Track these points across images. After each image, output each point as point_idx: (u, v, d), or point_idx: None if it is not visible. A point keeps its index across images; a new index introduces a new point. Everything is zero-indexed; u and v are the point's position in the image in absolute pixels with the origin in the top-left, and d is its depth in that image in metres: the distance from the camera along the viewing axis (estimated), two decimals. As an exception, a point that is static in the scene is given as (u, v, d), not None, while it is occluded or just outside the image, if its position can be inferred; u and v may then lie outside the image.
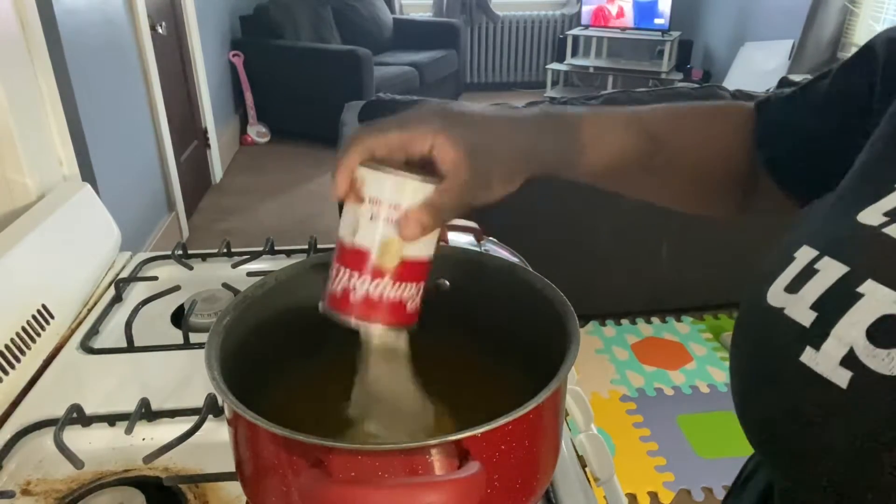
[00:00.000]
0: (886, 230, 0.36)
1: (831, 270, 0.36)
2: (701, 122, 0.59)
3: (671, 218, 2.32)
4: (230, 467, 0.50)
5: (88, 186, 1.08)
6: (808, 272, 0.37)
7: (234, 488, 0.62)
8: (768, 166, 0.56)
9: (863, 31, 3.76)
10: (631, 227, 2.29)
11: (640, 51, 5.38)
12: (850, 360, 0.33)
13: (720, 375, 2.24)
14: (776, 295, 0.38)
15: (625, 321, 2.54)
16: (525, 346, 0.55)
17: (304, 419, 0.54)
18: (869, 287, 0.34)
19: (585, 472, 0.67)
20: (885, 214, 0.36)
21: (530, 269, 0.57)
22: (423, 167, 0.45)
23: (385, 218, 0.45)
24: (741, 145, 0.57)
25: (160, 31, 2.87)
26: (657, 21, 5.03)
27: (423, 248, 0.47)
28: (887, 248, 0.35)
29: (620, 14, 5.10)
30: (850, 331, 0.33)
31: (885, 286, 0.33)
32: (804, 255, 0.38)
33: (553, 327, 0.50)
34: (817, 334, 0.35)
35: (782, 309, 0.38)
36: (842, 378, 0.33)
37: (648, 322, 2.54)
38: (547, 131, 0.51)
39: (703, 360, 2.33)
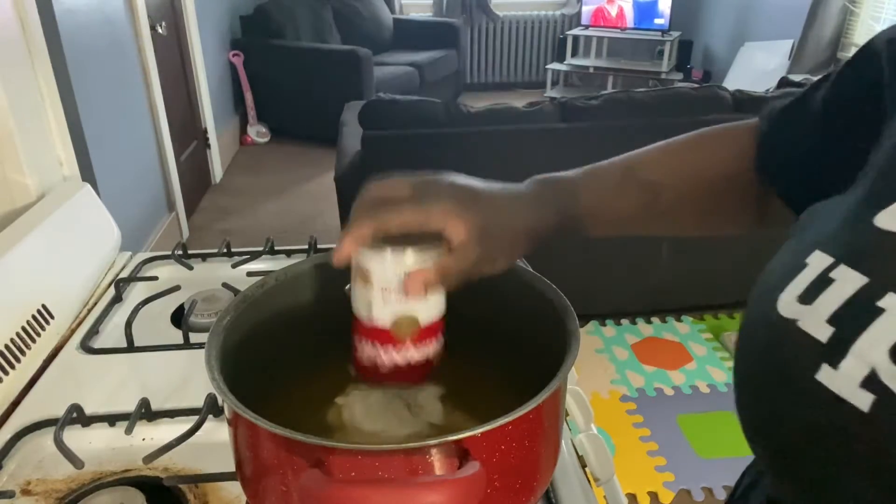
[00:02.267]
0: None
1: (849, 281, 0.34)
2: (699, 154, 0.59)
3: (671, 218, 2.32)
4: (230, 467, 0.50)
5: (88, 186, 1.08)
6: (823, 281, 0.35)
7: (234, 488, 0.62)
8: (773, 184, 0.55)
9: (863, 31, 3.76)
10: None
11: (640, 51, 5.38)
12: (871, 382, 0.31)
13: (720, 375, 2.24)
14: (788, 305, 0.36)
15: (625, 321, 2.54)
16: (525, 346, 0.55)
17: (304, 419, 0.54)
18: (890, 301, 0.32)
19: (585, 472, 0.67)
20: None
21: (530, 269, 0.57)
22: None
23: (396, 296, 0.47)
24: (747, 167, 0.56)
25: (160, 31, 2.87)
26: (657, 21, 5.03)
27: (435, 310, 0.50)
28: None
29: (620, 15, 5.10)
30: (872, 350, 0.31)
31: None
32: (818, 261, 0.36)
33: (553, 327, 0.50)
34: (835, 352, 0.33)
35: (795, 321, 0.35)
36: (863, 401, 0.31)
37: (648, 322, 2.54)
38: (546, 206, 0.53)
39: (703, 360, 2.33)
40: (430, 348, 0.51)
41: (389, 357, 0.50)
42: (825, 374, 0.33)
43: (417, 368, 0.51)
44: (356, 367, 0.52)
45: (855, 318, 0.33)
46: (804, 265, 0.37)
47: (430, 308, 0.49)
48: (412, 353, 0.50)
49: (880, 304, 0.32)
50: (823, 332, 0.34)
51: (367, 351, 0.50)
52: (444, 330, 0.52)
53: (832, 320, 0.34)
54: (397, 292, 0.47)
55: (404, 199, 0.47)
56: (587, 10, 5.18)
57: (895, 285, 0.32)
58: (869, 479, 0.32)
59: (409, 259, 0.46)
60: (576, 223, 0.55)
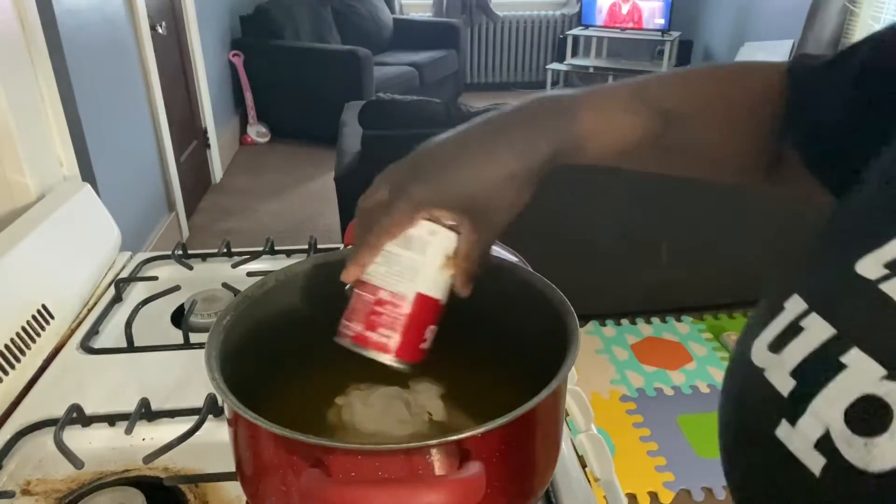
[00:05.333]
0: (883, 286, 0.31)
1: (816, 331, 0.32)
2: (720, 88, 0.52)
3: (671, 218, 2.32)
4: (230, 467, 0.50)
5: (88, 186, 1.08)
6: (794, 329, 0.33)
7: (234, 488, 0.62)
8: (795, 145, 0.49)
9: (863, 32, 3.76)
10: (631, 227, 2.29)
11: (640, 51, 5.38)
12: (824, 444, 0.29)
13: (720, 375, 2.23)
14: (759, 352, 0.35)
15: (625, 321, 2.54)
16: (525, 346, 0.55)
17: (304, 419, 0.54)
18: (853, 357, 0.30)
19: (585, 472, 0.67)
20: (887, 266, 0.31)
21: (530, 269, 0.57)
22: None
23: (441, 268, 0.47)
24: (769, 111, 0.50)
25: (160, 31, 2.86)
26: (657, 21, 5.03)
27: (445, 293, 0.49)
28: (880, 310, 0.30)
29: (636, 12, 5.06)
30: (828, 409, 0.30)
31: (870, 358, 0.29)
32: (793, 306, 0.34)
33: (553, 327, 0.50)
34: (794, 407, 0.31)
35: (763, 371, 0.34)
36: (815, 463, 0.30)
37: (648, 322, 2.54)
38: (535, 133, 0.47)
39: (703, 360, 2.33)
40: (430, 332, 0.49)
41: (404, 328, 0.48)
42: (784, 431, 0.32)
43: (425, 350, 0.49)
44: (368, 343, 0.49)
45: (817, 372, 0.31)
46: (782, 308, 0.35)
47: (444, 288, 0.48)
48: (432, 332, 0.49)
49: (843, 359, 0.30)
50: (786, 385, 0.32)
51: (386, 322, 0.47)
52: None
53: (795, 373, 0.32)
54: (444, 266, 0.47)
55: (376, 216, 0.46)
56: (602, 4, 5.14)
57: (861, 340, 0.30)
58: None
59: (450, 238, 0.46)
60: (574, 148, 0.48)
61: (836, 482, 0.29)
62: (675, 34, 5.03)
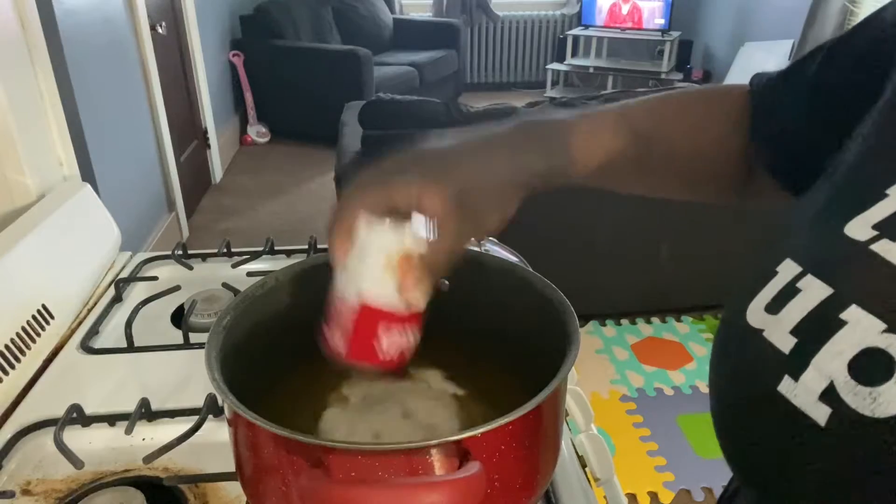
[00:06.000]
0: (874, 247, 0.32)
1: (814, 291, 0.33)
2: (691, 109, 0.56)
3: (671, 218, 2.32)
4: (230, 467, 0.50)
5: (88, 186, 1.08)
6: (790, 291, 0.35)
7: (234, 488, 0.62)
8: (760, 157, 0.53)
9: (863, 31, 3.76)
10: (631, 227, 2.29)
11: (640, 51, 5.38)
12: (829, 396, 0.31)
13: (720, 375, 2.24)
14: (756, 314, 0.36)
15: (625, 321, 2.54)
16: (525, 346, 0.55)
17: (305, 419, 0.54)
18: (853, 314, 0.31)
19: (585, 472, 0.67)
20: (875, 227, 0.33)
21: (530, 269, 0.57)
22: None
23: (384, 274, 0.45)
24: (735, 131, 0.54)
25: (160, 31, 2.86)
26: (657, 21, 5.03)
27: (422, 299, 0.47)
28: (875, 270, 0.32)
29: (636, 12, 5.06)
30: (831, 363, 0.31)
31: (870, 314, 0.31)
32: (787, 270, 0.36)
33: (553, 327, 0.50)
34: (797, 363, 0.33)
35: (762, 331, 0.35)
36: (820, 414, 0.31)
37: (648, 322, 2.54)
38: (532, 148, 0.49)
39: (703, 360, 2.33)
40: (404, 338, 0.48)
41: (390, 338, 0.47)
42: (786, 386, 0.33)
43: (391, 360, 0.48)
44: (349, 353, 0.48)
45: (817, 329, 0.32)
46: (774, 273, 0.36)
47: (421, 295, 0.46)
48: (397, 338, 0.47)
49: (843, 316, 0.32)
50: (787, 343, 0.33)
51: (363, 332, 0.47)
52: (420, 326, 0.49)
53: (796, 331, 0.33)
54: (385, 268, 0.45)
55: (371, 186, 0.45)
56: (602, 4, 5.15)
57: (859, 297, 0.32)
58: (821, 495, 0.31)
59: (393, 236, 0.44)
60: (564, 167, 0.51)
61: (842, 430, 0.30)
62: (675, 34, 5.03)
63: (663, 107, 0.56)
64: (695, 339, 2.44)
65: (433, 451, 0.40)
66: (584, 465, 0.69)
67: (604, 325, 2.52)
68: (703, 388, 2.18)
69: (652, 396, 2.17)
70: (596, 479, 0.70)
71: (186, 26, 3.40)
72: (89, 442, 0.68)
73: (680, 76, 5.06)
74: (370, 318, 0.46)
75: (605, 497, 0.71)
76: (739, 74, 4.28)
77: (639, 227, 2.30)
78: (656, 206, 2.27)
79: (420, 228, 0.45)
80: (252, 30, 4.35)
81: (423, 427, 0.53)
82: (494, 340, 0.57)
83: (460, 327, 0.56)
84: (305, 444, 0.40)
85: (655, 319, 2.55)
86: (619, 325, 2.53)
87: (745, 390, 0.37)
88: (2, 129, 0.96)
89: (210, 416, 0.67)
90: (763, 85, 0.53)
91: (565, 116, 0.52)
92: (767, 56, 4.20)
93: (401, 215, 0.45)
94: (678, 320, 2.55)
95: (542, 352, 0.49)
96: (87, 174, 1.93)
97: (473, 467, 0.39)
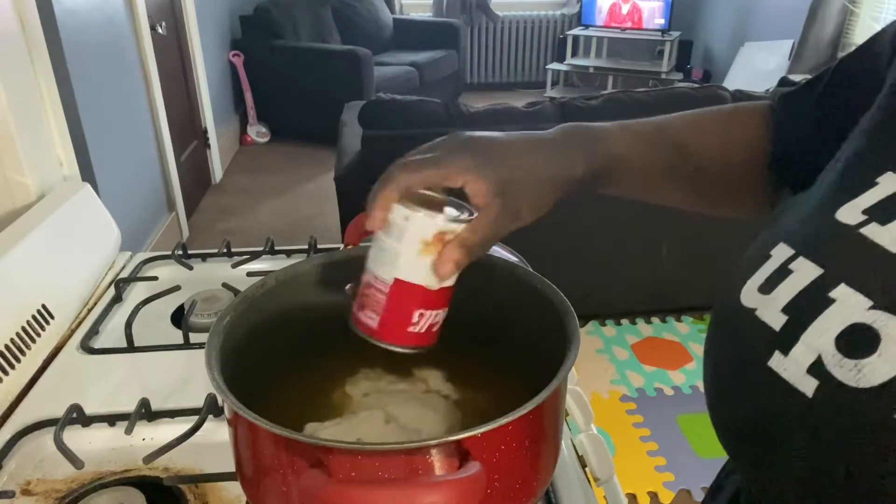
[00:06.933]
0: (863, 230, 0.34)
1: (805, 272, 0.35)
2: (721, 126, 0.59)
3: (671, 218, 2.32)
4: (230, 467, 0.50)
5: (88, 186, 1.08)
6: (783, 272, 0.37)
7: (234, 488, 0.62)
8: (774, 168, 0.55)
9: (863, 31, 3.76)
10: (631, 227, 2.29)
11: (640, 51, 5.38)
12: (817, 369, 0.32)
13: (720, 375, 2.24)
14: (749, 294, 0.38)
15: (625, 321, 2.54)
16: (525, 346, 0.55)
17: (305, 419, 0.54)
18: (841, 292, 0.33)
19: (585, 472, 0.67)
20: (865, 212, 0.35)
21: (530, 269, 0.57)
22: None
23: (420, 253, 0.45)
24: (761, 146, 0.56)
25: (160, 31, 2.86)
26: (657, 21, 5.03)
27: (454, 278, 0.48)
28: (863, 251, 0.34)
29: (636, 12, 5.06)
30: (820, 338, 0.33)
31: (857, 292, 0.33)
32: (780, 253, 0.38)
33: (553, 327, 0.50)
34: (787, 339, 0.34)
35: (754, 310, 0.37)
36: (808, 386, 0.33)
37: (648, 322, 2.54)
38: (574, 152, 0.51)
39: (703, 360, 2.33)
40: (441, 316, 0.49)
41: (427, 317, 0.48)
42: (776, 361, 0.34)
43: (430, 333, 0.49)
44: (380, 333, 0.48)
45: (807, 307, 0.34)
46: (768, 256, 0.38)
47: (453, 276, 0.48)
48: (434, 317, 0.48)
49: (832, 294, 0.33)
50: (778, 321, 0.35)
51: (395, 311, 0.47)
52: (449, 303, 0.49)
53: (786, 309, 0.35)
54: (422, 247, 0.45)
55: (425, 162, 0.46)
56: (602, 4, 5.14)
57: (847, 277, 0.33)
58: (807, 464, 0.33)
59: (438, 219, 0.45)
60: (605, 173, 0.53)
61: (828, 400, 0.32)
62: (675, 34, 5.03)
63: (696, 122, 0.58)
64: (695, 339, 2.44)
65: (433, 451, 0.40)
66: (584, 465, 0.69)
67: (604, 325, 2.52)
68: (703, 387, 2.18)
69: (652, 396, 2.17)
70: (596, 479, 0.70)
71: (186, 26, 3.40)
72: (89, 442, 0.68)
73: (680, 76, 5.06)
74: (404, 295, 0.47)
75: (605, 497, 0.71)
76: (739, 74, 4.28)
77: (639, 227, 2.30)
78: (656, 206, 2.27)
79: (461, 210, 0.46)
80: (252, 30, 4.35)
81: (410, 432, 0.53)
82: (494, 340, 0.57)
83: (460, 327, 0.56)
84: (305, 444, 0.40)
85: (655, 319, 2.55)
86: (619, 325, 2.53)
87: (737, 366, 0.38)
88: (2, 129, 0.96)
89: (210, 416, 0.67)
90: (782, 98, 0.56)
91: (606, 125, 0.54)
92: (767, 56, 4.20)
93: (442, 195, 0.46)
94: (678, 320, 2.55)
95: (542, 352, 0.49)
96: (87, 174, 1.93)
97: (473, 467, 0.39)
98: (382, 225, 0.46)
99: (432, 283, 0.46)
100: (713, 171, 0.57)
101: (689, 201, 0.60)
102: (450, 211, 0.46)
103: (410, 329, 0.48)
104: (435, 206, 0.46)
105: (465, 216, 0.46)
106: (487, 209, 0.46)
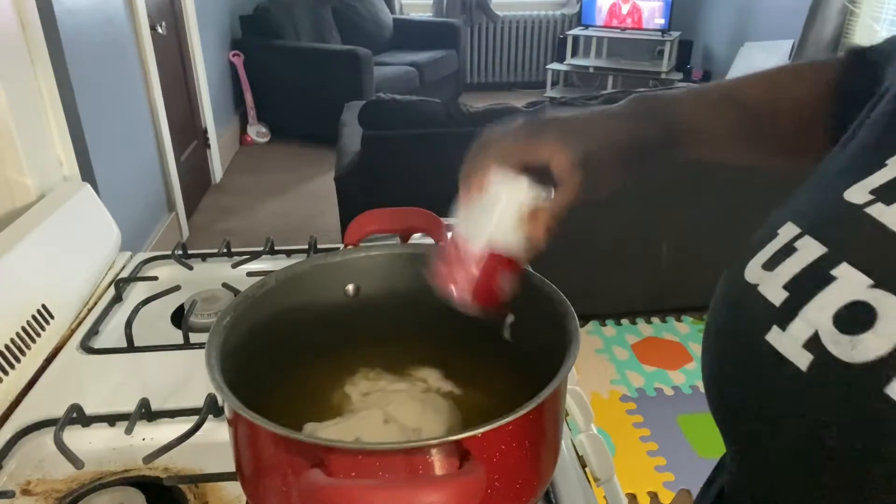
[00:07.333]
0: (868, 210, 0.35)
1: (809, 250, 0.36)
2: (792, 81, 0.59)
3: (671, 218, 2.32)
4: (230, 467, 0.50)
5: (88, 186, 1.08)
6: (787, 250, 0.37)
7: (234, 488, 0.62)
8: (832, 122, 0.55)
9: (863, 31, 3.76)
10: (631, 227, 2.29)
11: (640, 51, 5.38)
12: (813, 344, 0.33)
13: (720, 375, 2.24)
14: (753, 270, 0.38)
15: (625, 321, 2.54)
16: (525, 345, 0.55)
17: (304, 419, 0.54)
18: (843, 270, 0.34)
19: (585, 472, 0.67)
20: (872, 192, 0.36)
21: (530, 269, 0.57)
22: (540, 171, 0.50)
23: (515, 219, 0.49)
24: (826, 99, 0.56)
25: (160, 31, 2.86)
26: (657, 21, 5.03)
27: (516, 245, 0.51)
28: (866, 230, 0.34)
29: (636, 12, 5.06)
30: (818, 314, 0.33)
31: (858, 270, 0.33)
32: (787, 231, 0.38)
33: (553, 327, 0.50)
34: (786, 314, 0.35)
35: (756, 286, 0.37)
36: (803, 360, 0.33)
37: (648, 322, 2.54)
38: (645, 122, 0.53)
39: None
40: (512, 281, 0.52)
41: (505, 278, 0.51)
42: (773, 335, 0.35)
43: (503, 297, 0.51)
44: (472, 295, 0.51)
45: (808, 284, 0.35)
46: (775, 235, 0.39)
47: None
48: (506, 282, 0.51)
49: (833, 272, 0.34)
50: (778, 297, 0.36)
51: (469, 277, 0.50)
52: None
53: (788, 286, 0.36)
54: (512, 214, 0.48)
55: (514, 138, 0.50)
56: (602, 4, 5.14)
57: (850, 256, 0.34)
58: (797, 437, 0.34)
59: (532, 187, 0.48)
60: (676, 136, 0.55)
61: (821, 374, 0.32)
62: (675, 34, 5.03)
63: (765, 79, 0.59)
64: (695, 339, 2.44)
65: (433, 451, 0.40)
66: (584, 465, 0.69)
67: (604, 325, 2.52)
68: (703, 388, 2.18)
69: (652, 396, 2.17)
70: (596, 479, 0.70)
71: (186, 26, 3.40)
72: (89, 442, 0.68)
73: (680, 76, 5.06)
74: (495, 263, 0.50)
75: (605, 497, 0.71)
76: (739, 74, 4.27)
77: (639, 228, 2.30)
78: (656, 206, 2.27)
79: (547, 184, 0.49)
80: (252, 30, 4.35)
81: (410, 432, 0.53)
82: (494, 340, 0.57)
83: (460, 327, 0.56)
84: (305, 444, 0.40)
85: (655, 319, 2.55)
86: (619, 325, 2.53)
87: (735, 339, 0.39)
88: (2, 129, 0.96)
89: (210, 416, 0.67)
90: (849, 51, 0.56)
91: (674, 94, 0.57)
92: (767, 56, 4.20)
93: (529, 170, 0.49)
94: (678, 320, 2.55)
95: (542, 352, 0.49)
96: (87, 174, 1.93)
97: (473, 467, 0.39)
98: (482, 188, 0.49)
99: (520, 252, 0.50)
100: (782, 128, 0.58)
101: (756, 159, 0.62)
102: (538, 181, 0.49)
103: (498, 295, 0.51)
104: (528, 178, 0.49)
105: (550, 188, 0.49)
106: (570, 181, 0.49)
